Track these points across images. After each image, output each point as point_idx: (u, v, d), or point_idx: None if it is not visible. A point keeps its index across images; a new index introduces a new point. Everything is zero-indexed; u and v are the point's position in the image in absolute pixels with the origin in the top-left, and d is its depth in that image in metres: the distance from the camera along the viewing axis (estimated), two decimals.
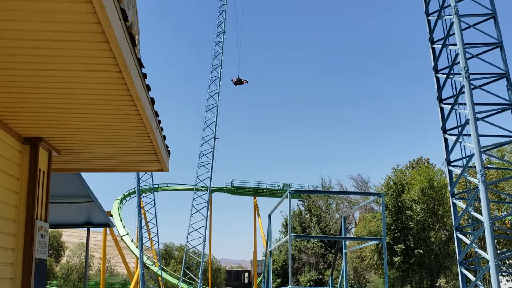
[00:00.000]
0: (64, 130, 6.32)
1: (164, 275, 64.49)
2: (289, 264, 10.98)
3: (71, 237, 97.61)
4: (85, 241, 13.00)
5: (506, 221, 27.42)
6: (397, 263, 29.90)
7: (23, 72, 4.57)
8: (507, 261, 23.95)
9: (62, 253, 64.92)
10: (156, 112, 6.05)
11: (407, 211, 30.69)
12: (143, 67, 4.84)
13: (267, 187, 79.63)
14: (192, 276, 65.53)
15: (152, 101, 5.70)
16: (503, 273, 23.21)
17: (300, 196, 54.50)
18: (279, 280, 45.20)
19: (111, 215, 62.17)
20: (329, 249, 43.99)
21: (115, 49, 3.98)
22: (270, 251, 14.32)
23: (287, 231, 11.85)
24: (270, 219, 14.58)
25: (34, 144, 6.42)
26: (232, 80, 62.23)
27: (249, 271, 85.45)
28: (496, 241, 21.30)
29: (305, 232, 46.44)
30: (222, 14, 64.51)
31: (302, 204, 49.79)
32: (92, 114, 5.66)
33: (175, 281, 63.75)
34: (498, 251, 21.69)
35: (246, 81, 60.38)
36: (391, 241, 30.03)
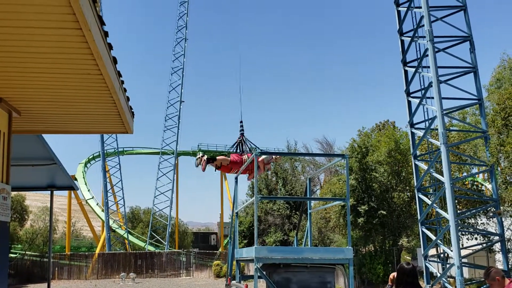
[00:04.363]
0: (24, 90, 6.15)
1: (131, 238, 64.53)
2: (255, 225, 11.08)
3: (35, 201, 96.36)
4: (49, 205, 12.86)
5: (466, 182, 28.12)
6: (360, 223, 30.49)
7: None
8: (466, 221, 24.66)
9: (26, 217, 64.13)
10: (118, 72, 5.93)
11: (372, 173, 31.16)
12: (104, 24, 4.71)
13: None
14: (159, 238, 65.78)
15: (114, 60, 5.57)
16: (463, 232, 23.94)
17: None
18: (245, 241, 45.76)
19: (76, 179, 61.49)
20: (294, 211, 44.60)
21: (74, 5, 3.85)
22: (237, 213, 14.41)
23: (254, 194, 12.02)
24: (236, 182, 14.62)
25: None
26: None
27: (216, 233, 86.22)
28: (456, 201, 21.88)
29: (271, 195, 46.87)
30: None
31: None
32: (53, 73, 5.52)
33: (142, 244, 63.87)
34: (458, 211, 22.33)
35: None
36: (355, 202, 30.54)
